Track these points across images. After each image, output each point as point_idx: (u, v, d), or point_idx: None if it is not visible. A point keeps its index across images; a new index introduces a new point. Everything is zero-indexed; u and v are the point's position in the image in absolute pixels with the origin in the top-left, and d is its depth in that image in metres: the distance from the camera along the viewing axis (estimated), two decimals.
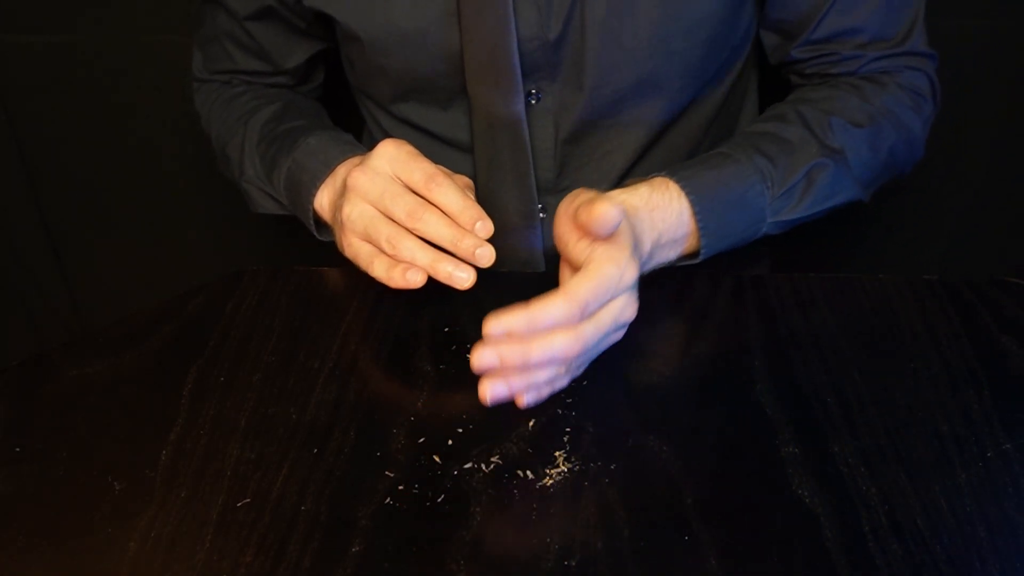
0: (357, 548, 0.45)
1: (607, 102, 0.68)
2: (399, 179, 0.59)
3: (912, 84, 0.70)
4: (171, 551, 0.45)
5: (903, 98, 0.69)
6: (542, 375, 0.50)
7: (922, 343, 0.59)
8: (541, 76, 0.67)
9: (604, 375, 0.56)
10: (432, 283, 0.63)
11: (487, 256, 0.57)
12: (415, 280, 0.56)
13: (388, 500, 0.48)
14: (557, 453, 0.51)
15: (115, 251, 1.19)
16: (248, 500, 0.48)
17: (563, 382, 0.52)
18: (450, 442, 0.51)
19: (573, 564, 0.44)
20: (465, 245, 0.57)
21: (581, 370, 0.54)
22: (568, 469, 0.50)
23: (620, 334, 0.55)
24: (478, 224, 0.57)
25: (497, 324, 0.47)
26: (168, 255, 1.19)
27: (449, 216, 0.58)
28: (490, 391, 0.48)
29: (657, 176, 0.61)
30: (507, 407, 0.53)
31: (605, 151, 0.72)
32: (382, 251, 0.58)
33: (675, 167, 0.62)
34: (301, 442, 0.51)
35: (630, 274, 0.52)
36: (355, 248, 0.59)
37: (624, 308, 0.52)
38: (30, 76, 1.03)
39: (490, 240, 0.71)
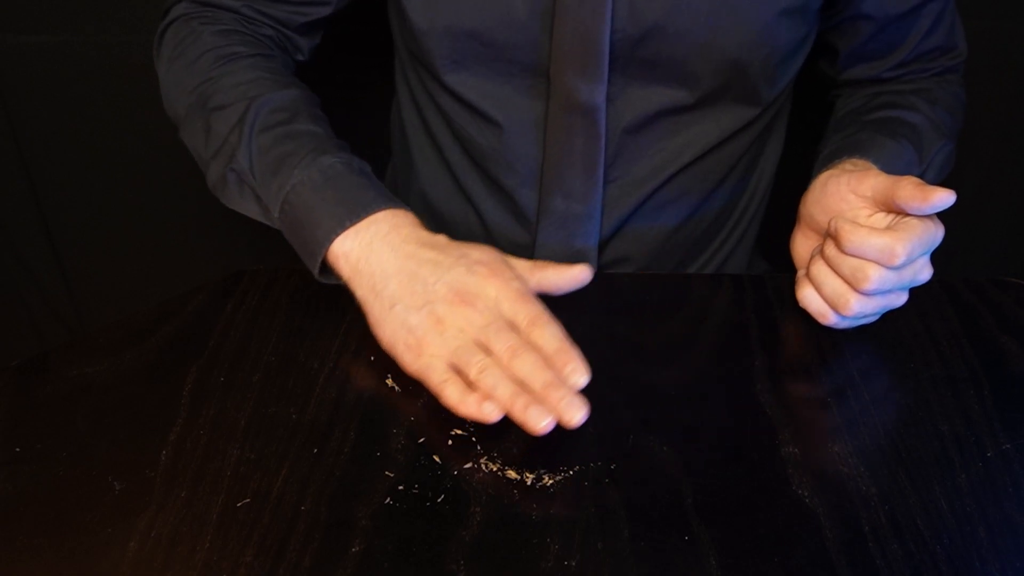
0: (357, 548, 0.45)
1: (675, 105, 0.69)
2: (503, 314, 0.56)
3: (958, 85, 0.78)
4: (171, 551, 0.45)
5: (960, 94, 0.77)
6: (830, 287, 0.57)
7: (922, 343, 0.59)
8: (616, 67, 0.67)
9: (604, 375, 0.56)
10: None
11: (572, 414, 0.50)
12: (491, 414, 0.52)
13: (388, 500, 0.48)
14: (557, 453, 0.50)
15: (115, 251, 1.19)
16: (248, 500, 0.48)
17: (832, 320, 0.58)
18: (450, 442, 0.51)
19: (573, 564, 0.44)
20: (555, 395, 0.51)
21: (857, 323, 0.59)
22: (568, 469, 0.50)
23: (904, 297, 0.58)
24: (569, 367, 0.53)
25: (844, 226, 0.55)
26: (168, 255, 1.19)
27: (544, 356, 0.54)
28: None
29: (853, 158, 0.64)
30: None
31: (659, 149, 0.72)
32: (462, 376, 0.54)
33: (861, 147, 0.65)
34: (301, 442, 0.51)
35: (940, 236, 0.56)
36: (427, 363, 0.55)
37: (923, 268, 0.56)
38: (30, 76, 1.03)
39: (547, 231, 0.69)
